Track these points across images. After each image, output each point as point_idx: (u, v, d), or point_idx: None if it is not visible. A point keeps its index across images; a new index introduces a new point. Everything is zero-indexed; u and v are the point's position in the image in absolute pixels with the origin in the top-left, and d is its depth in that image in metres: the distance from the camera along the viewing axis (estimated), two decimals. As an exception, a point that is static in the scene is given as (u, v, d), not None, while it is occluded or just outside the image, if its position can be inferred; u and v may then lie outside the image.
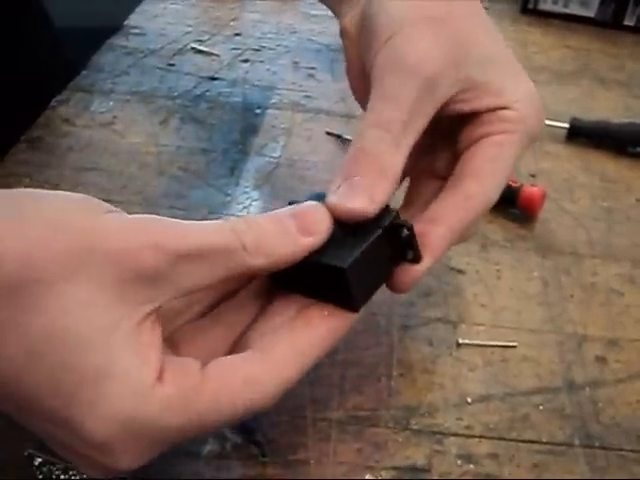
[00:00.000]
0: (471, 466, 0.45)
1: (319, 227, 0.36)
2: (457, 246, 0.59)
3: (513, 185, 0.63)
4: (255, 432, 0.45)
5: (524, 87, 0.43)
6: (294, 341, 0.36)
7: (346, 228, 0.36)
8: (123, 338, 0.31)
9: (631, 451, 0.46)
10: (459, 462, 0.45)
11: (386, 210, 0.37)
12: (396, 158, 0.38)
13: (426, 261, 0.39)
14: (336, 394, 0.48)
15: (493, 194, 0.41)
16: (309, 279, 0.37)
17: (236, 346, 0.38)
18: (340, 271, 0.35)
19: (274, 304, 0.39)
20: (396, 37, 0.40)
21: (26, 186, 0.62)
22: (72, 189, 0.62)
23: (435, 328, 0.53)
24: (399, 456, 0.45)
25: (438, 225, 0.40)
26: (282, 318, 0.38)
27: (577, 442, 0.47)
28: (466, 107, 0.42)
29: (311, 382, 0.48)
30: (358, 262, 0.35)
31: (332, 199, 0.37)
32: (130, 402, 0.31)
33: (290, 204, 0.38)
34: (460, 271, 0.58)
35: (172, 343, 0.37)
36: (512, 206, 0.63)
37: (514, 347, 0.52)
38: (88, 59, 0.80)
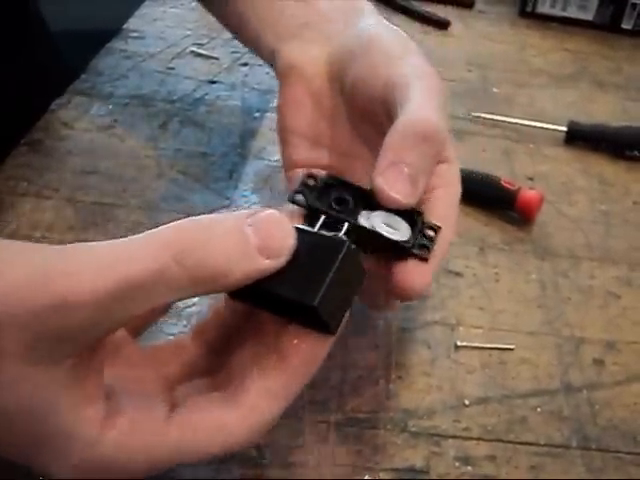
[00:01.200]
0: (469, 468, 0.45)
1: (282, 249, 0.32)
2: (455, 249, 0.60)
3: (511, 188, 0.63)
4: (254, 434, 0.45)
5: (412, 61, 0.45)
6: (267, 384, 0.33)
7: (304, 243, 0.33)
8: (54, 399, 0.30)
9: (628, 453, 0.47)
10: (457, 464, 0.45)
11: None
12: None
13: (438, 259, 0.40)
14: (335, 396, 0.48)
15: (450, 238, 0.42)
16: (272, 302, 0.34)
17: (201, 376, 0.37)
18: (309, 308, 0.32)
19: (241, 332, 0.38)
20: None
21: (25, 189, 0.62)
22: (72, 193, 0.62)
23: (433, 331, 0.53)
24: (398, 458, 0.45)
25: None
26: (251, 352, 0.35)
27: (574, 444, 0.47)
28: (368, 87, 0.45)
29: (310, 385, 0.48)
30: (327, 293, 0.32)
31: (379, 181, 0.38)
32: (81, 454, 0.31)
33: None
34: (458, 274, 0.58)
35: (154, 361, 0.37)
36: (510, 209, 0.63)
37: (512, 350, 0.53)
38: (87, 63, 0.80)
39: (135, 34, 0.86)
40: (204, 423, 0.32)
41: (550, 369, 0.51)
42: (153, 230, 0.30)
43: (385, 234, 0.39)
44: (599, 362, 0.52)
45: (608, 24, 0.97)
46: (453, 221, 0.42)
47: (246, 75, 0.81)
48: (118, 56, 0.82)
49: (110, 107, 0.73)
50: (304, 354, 0.34)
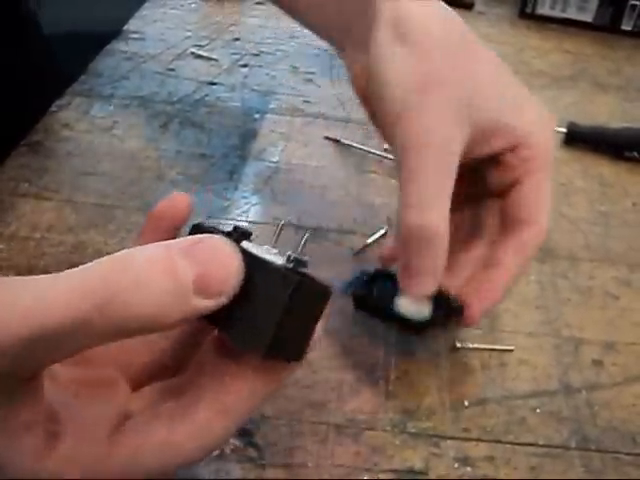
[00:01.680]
0: (468, 469, 0.45)
1: (223, 289, 0.29)
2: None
3: (510, 189, 0.63)
4: (254, 435, 0.45)
5: (531, 116, 0.45)
6: (222, 401, 0.32)
7: (253, 269, 0.30)
8: None
9: (627, 454, 0.47)
10: (456, 465, 0.45)
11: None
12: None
13: (491, 301, 0.46)
14: (334, 397, 0.48)
15: (545, 229, 0.47)
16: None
17: (157, 396, 0.35)
18: (257, 354, 0.30)
19: (200, 352, 0.36)
20: (410, 113, 0.42)
21: (25, 190, 0.62)
22: (71, 194, 0.62)
23: (432, 332, 0.53)
24: (397, 459, 0.45)
25: (498, 269, 0.46)
26: (213, 358, 0.34)
27: (573, 445, 0.47)
28: (483, 151, 0.45)
29: (309, 386, 0.49)
30: (277, 337, 0.29)
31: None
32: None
33: (195, 229, 0.33)
34: (458, 275, 0.58)
35: (124, 359, 0.36)
36: (509, 210, 0.63)
37: (511, 351, 0.53)
38: (87, 64, 0.80)
39: (135, 35, 0.86)
40: (151, 441, 0.31)
41: (549, 370, 0.52)
42: (80, 270, 0.28)
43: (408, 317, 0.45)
44: (598, 363, 0.52)
45: (608, 25, 0.97)
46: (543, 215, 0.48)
47: (246, 76, 0.81)
48: (118, 57, 0.82)
49: (110, 108, 0.74)
50: (267, 375, 0.32)
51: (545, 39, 0.96)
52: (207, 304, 0.28)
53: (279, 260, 0.30)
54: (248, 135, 0.72)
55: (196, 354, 0.36)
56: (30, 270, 0.55)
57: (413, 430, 0.47)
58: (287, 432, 0.46)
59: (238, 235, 0.31)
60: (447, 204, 0.41)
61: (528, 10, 0.99)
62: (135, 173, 0.65)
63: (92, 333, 0.27)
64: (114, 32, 0.87)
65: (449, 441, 0.46)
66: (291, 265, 0.30)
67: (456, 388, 0.49)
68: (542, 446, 0.47)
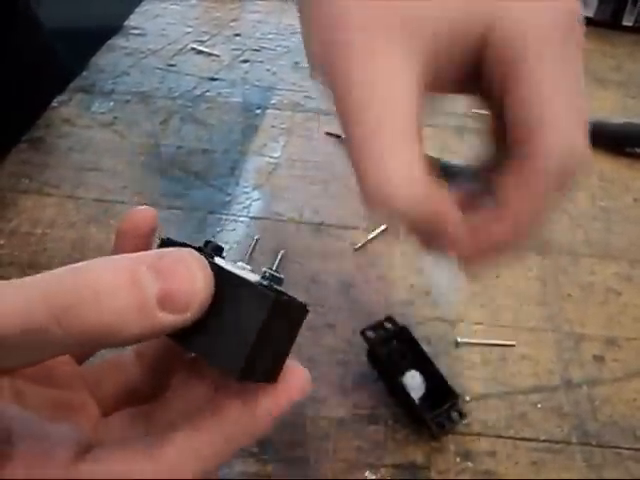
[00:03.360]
0: (469, 464, 0.45)
1: (190, 304, 0.26)
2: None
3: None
4: (255, 430, 0.45)
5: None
6: (194, 443, 0.29)
7: (225, 285, 0.28)
8: None
9: (628, 449, 0.47)
10: (458, 459, 0.45)
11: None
12: None
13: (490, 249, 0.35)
14: (336, 393, 0.48)
15: (562, 139, 0.33)
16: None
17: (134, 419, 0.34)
18: (231, 375, 0.28)
19: (174, 379, 0.35)
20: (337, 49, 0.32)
21: (27, 186, 0.62)
22: (73, 189, 0.62)
23: (434, 327, 0.53)
24: (398, 454, 0.45)
25: (499, 216, 0.34)
26: (188, 393, 0.33)
27: (574, 440, 0.47)
28: (461, 59, 0.33)
29: (311, 381, 0.49)
30: (251, 359, 0.28)
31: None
32: None
33: (164, 243, 0.31)
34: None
35: (95, 383, 0.35)
36: (510, 206, 0.63)
37: (512, 346, 0.53)
38: (88, 60, 0.80)
39: (136, 31, 0.86)
40: (114, 474, 0.29)
41: (550, 365, 0.52)
42: (39, 277, 0.26)
43: (409, 392, 0.46)
44: (599, 358, 0.53)
45: (609, 21, 0.97)
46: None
47: (247, 72, 0.81)
48: (119, 53, 0.82)
49: (111, 104, 0.74)
50: (243, 423, 0.30)
51: (546, 35, 0.95)
52: (172, 319, 0.26)
53: (253, 277, 0.29)
54: (249, 130, 0.72)
55: (170, 380, 0.35)
56: (31, 266, 0.55)
57: (414, 425, 0.47)
58: (289, 427, 0.46)
59: (210, 250, 0.30)
60: (418, 160, 0.31)
61: (529, 6, 0.99)
62: (136, 169, 0.65)
63: (49, 343, 0.26)
64: (115, 28, 0.87)
65: (450, 436, 0.46)
66: (266, 282, 0.29)
67: (457, 383, 0.49)
68: (543, 441, 0.47)
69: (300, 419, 0.46)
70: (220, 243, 0.31)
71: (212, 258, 0.29)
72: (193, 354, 0.34)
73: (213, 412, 0.30)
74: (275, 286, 0.29)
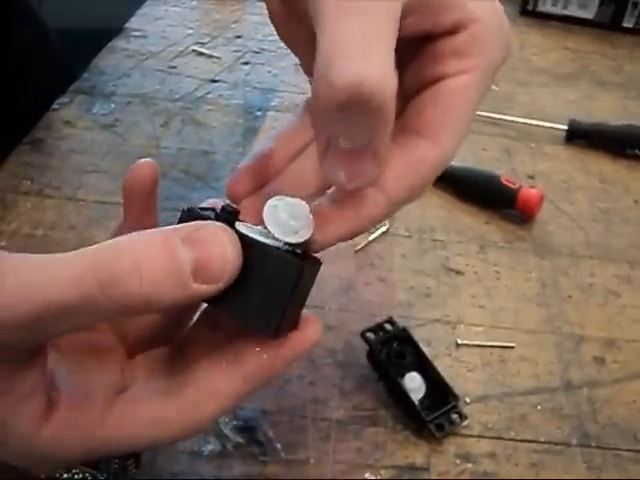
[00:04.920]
0: (469, 465, 0.45)
1: (221, 274, 0.29)
2: (455, 247, 0.60)
3: (512, 186, 0.63)
4: (256, 431, 0.45)
5: (486, 3, 0.34)
6: (214, 384, 0.32)
7: (251, 254, 0.30)
8: None
9: (627, 450, 0.47)
10: (457, 461, 0.45)
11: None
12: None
13: (353, 225, 0.33)
14: (336, 394, 0.48)
15: (450, 154, 0.34)
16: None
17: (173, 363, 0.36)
18: (266, 334, 0.31)
19: (194, 324, 0.37)
20: None
21: (27, 188, 0.62)
22: (73, 191, 0.62)
23: (434, 329, 0.53)
24: (398, 455, 0.45)
25: (374, 189, 0.33)
26: (210, 337, 0.35)
27: (574, 442, 0.47)
28: (417, 27, 0.33)
29: (311, 382, 0.49)
30: (284, 319, 0.31)
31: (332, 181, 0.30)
32: (19, 446, 0.31)
33: (187, 213, 0.32)
34: (459, 272, 0.58)
35: (119, 327, 0.37)
36: (511, 207, 0.63)
37: (512, 347, 0.53)
38: (89, 62, 0.80)
39: (137, 33, 0.86)
40: (142, 415, 0.32)
41: (550, 367, 0.52)
42: (81, 251, 0.28)
43: (409, 393, 0.47)
44: (599, 360, 0.53)
45: (609, 23, 0.97)
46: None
47: (248, 74, 0.81)
48: (120, 55, 0.82)
49: (112, 106, 0.74)
50: (262, 365, 0.33)
51: (546, 36, 0.96)
52: (206, 289, 0.29)
53: (273, 242, 0.31)
54: (250, 132, 0.72)
55: (188, 320, 0.38)
56: (33, 267, 0.55)
57: (414, 426, 0.47)
58: (289, 428, 0.46)
59: (227, 214, 0.32)
60: (393, 56, 0.28)
61: (529, 7, 0.99)
62: (137, 170, 0.65)
63: (95, 311, 0.28)
64: (116, 30, 0.87)
65: (450, 437, 0.46)
66: (289, 247, 0.32)
67: (457, 385, 0.49)
68: (543, 443, 0.47)
69: (301, 420, 0.47)
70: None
71: (233, 225, 0.31)
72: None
73: (232, 354, 0.33)
74: (294, 247, 0.32)
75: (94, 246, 0.28)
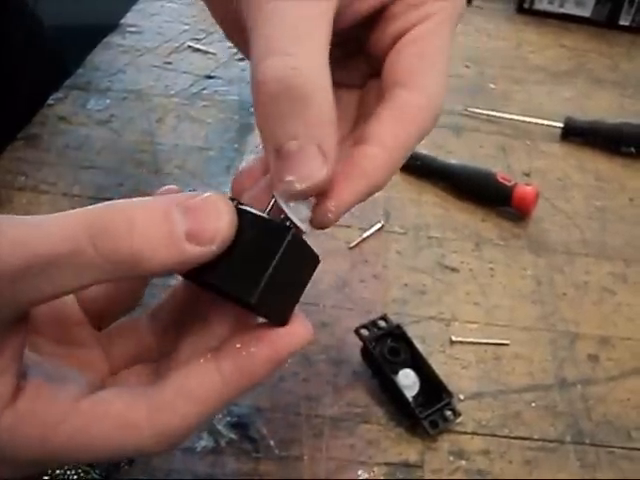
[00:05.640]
0: (463, 462, 0.45)
1: (215, 236, 0.28)
2: (451, 244, 0.60)
3: (507, 184, 0.63)
4: (249, 428, 0.45)
5: None
6: (189, 385, 0.30)
7: (249, 226, 0.30)
8: None
9: (621, 448, 0.47)
10: (451, 458, 0.45)
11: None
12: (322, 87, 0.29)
13: (361, 184, 0.32)
14: (330, 391, 0.48)
15: (437, 99, 0.34)
16: (214, 288, 0.32)
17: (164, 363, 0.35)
18: (247, 303, 0.29)
19: (194, 317, 0.35)
20: None
21: (22, 184, 0.62)
22: (68, 187, 0.62)
23: (428, 326, 0.53)
24: (392, 452, 0.45)
25: (370, 144, 0.32)
26: (192, 343, 0.34)
27: (568, 439, 0.47)
28: (363, 6, 0.34)
29: (305, 379, 0.49)
30: (267, 287, 0.29)
31: (274, 184, 0.30)
32: None
33: None
34: (454, 269, 0.58)
35: (107, 339, 0.36)
36: (506, 205, 0.63)
37: (507, 345, 0.53)
38: (84, 57, 0.80)
39: (132, 29, 0.86)
40: (110, 414, 0.30)
41: (545, 364, 0.52)
42: (76, 210, 0.28)
43: (402, 390, 0.47)
44: (593, 358, 0.53)
45: (605, 21, 0.97)
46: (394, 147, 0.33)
47: (243, 70, 0.81)
48: (115, 51, 0.82)
49: (107, 102, 0.74)
50: (240, 363, 0.31)
51: (543, 34, 0.95)
52: (199, 251, 0.28)
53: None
54: (245, 129, 0.72)
55: (179, 344, 0.36)
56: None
57: (408, 423, 0.47)
58: (282, 425, 0.46)
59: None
60: (325, 50, 0.29)
61: (526, 5, 0.99)
62: (132, 167, 0.65)
63: (84, 266, 0.27)
64: (111, 26, 0.86)
65: (444, 434, 0.46)
66: (288, 223, 0.31)
67: (451, 382, 0.49)
68: (537, 440, 0.47)
69: (294, 417, 0.46)
70: None
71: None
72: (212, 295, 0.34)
73: (211, 355, 0.31)
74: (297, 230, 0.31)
75: (89, 206, 0.28)
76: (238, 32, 0.35)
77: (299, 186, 0.30)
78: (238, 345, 0.31)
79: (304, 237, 0.31)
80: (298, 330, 0.32)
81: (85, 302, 0.37)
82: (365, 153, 0.32)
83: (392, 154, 0.33)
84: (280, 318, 0.31)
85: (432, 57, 0.34)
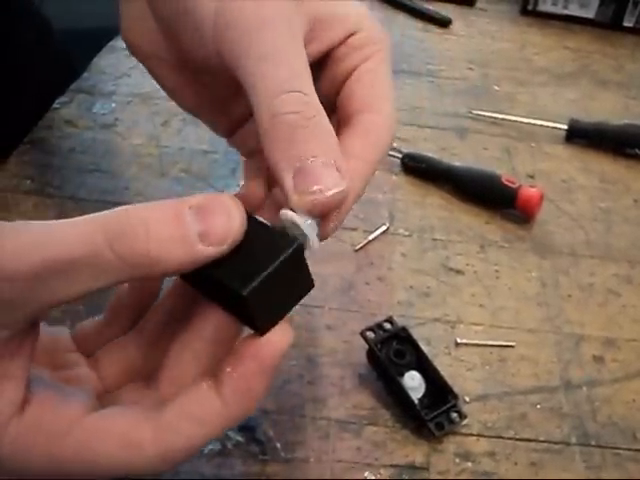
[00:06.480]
0: (469, 464, 0.45)
1: (226, 236, 0.30)
2: (456, 246, 0.60)
3: (512, 186, 0.63)
4: (256, 430, 0.46)
5: (358, 8, 0.40)
6: (192, 410, 0.31)
7: (256, 232, 0.31)
8: None
9: (627, 449, 0.47)
10: (457, 460, 0.45)
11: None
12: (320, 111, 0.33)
13: (351, 196, 0.34)
14: (336, 393, 0.48)
15: (390, 118, 0.38)
16: (212, 288, 0.33)
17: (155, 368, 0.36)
18: (240, 296, 0.30)
19: (190, 325, 0.35)
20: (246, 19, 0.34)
21: (28, 187, 0.62)
22: (74, 190, 0.62)
23: (434, 328, 0.54)
24: (398, 454, 0.45)
25: (350, 160, 0.35)
26: (187, 361, 0.34)
27: (574, 440, 0.47)
28: (322, 45, 0.38)
29: (311, 381, 0.49)
30: (262, 286, 0.30)
31: (294, 199, 0.31)
32: None
33: None
34: (459, 271, 0.58)
35: (95, 362, 0.37)
36: (511, 207, 0.63)
37: (512, 347, 0.53)
38: (90, 61, 0.80)
39: (137, 32, 0.86)
40: (115, 432, 0.31)
41: (550, 366, 0.52)
42: (91, 215, 0.29)
43: (408, 392, 0.47)
44: (599, 359, 0.53)
45: (609, 22, 0.97)
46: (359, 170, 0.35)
47: (248, 73, 0.81)
48: (120, 54, 0.82)
49: (112, 105, 0.74)
50: (240, 387, 0.31)
51: (547, 36, 0.95)
52: (211, 251, 0.29)
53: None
54: (250, 132, 0.72)
55: (165, 358, 0.36)
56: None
57: (414, 425, 0.47)
58: (289, 427, 0.46)
59: None
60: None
61: (530, 7, 0.99)
62: (138, 170, 0.66)
63: (101, 269, 0.28)
64: (117, 29, 0.86)
65: (450, 436, 0.47)
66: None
67: (457, 384, 0.49)
68: (543, 442, 0.47)
69: (300, 420, 0.47)
70: None
71: None
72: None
73: (212, 381, 0.32)
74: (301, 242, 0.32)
75: (106, 210, 0.30)
76: (207, 106, 0.43)
77: (328, 193, 0.31)
78: (229, 369, 0.32)
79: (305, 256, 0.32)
80: (276, 337, 0.32)
81: (78, 338, 0.38)
82: (348, 168, 0.34)
83: (370, 166, 0.36)
84: (263, 324, 0.32)
85: (381, 87, 0.38)
